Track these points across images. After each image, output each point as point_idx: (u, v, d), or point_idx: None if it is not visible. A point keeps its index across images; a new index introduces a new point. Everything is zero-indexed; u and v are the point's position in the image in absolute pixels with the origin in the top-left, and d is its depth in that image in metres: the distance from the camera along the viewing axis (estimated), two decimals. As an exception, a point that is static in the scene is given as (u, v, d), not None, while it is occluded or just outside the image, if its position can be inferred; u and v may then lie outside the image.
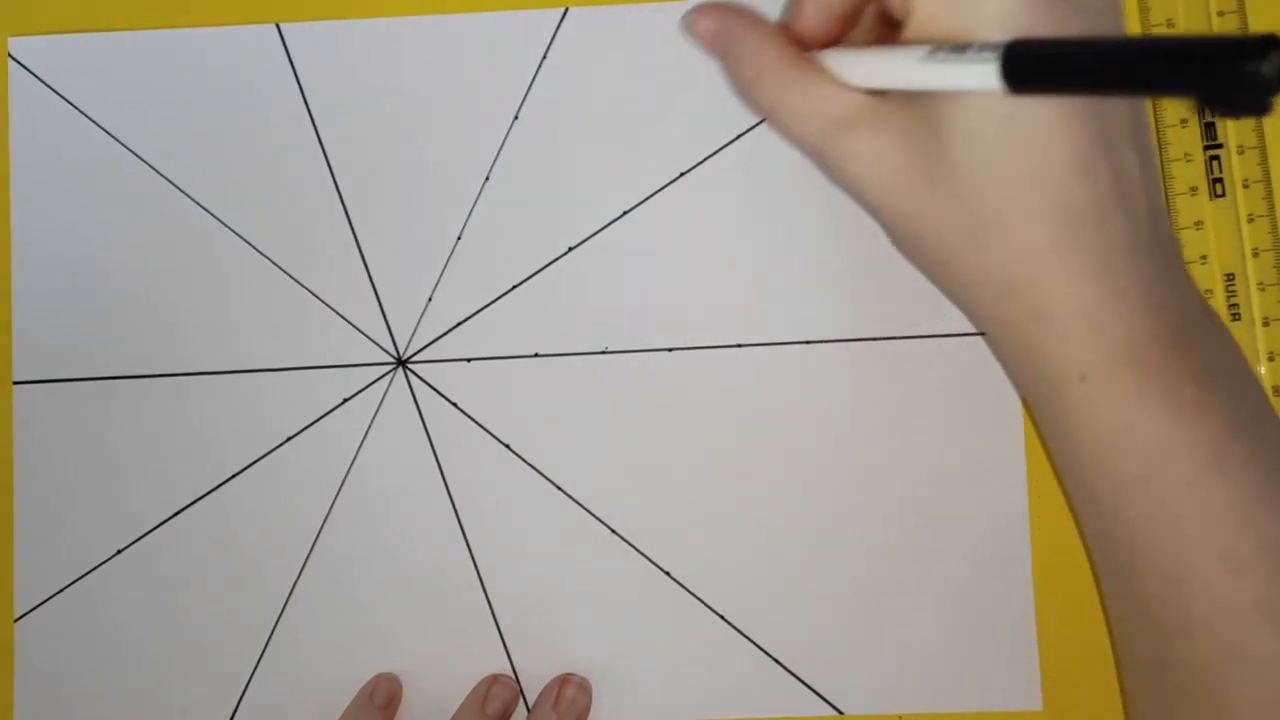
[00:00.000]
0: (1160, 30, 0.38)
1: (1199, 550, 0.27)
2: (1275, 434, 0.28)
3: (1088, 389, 0.28)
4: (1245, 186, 0.38)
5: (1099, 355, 0.27)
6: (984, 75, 0.25)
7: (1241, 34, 0.20)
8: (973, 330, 0.38)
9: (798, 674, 0.38)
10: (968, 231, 0.28)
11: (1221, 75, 0.19)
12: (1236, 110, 0.20)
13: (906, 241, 0.31)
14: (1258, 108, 0.19)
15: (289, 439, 0.39)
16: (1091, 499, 0.29)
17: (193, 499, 0.39)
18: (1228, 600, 0.26)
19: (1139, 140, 0.29)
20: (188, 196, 0.40)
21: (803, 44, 0.32)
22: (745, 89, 0.33)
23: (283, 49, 0.40)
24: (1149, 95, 0.22)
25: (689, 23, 0.34)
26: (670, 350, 0.38)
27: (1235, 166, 0.38)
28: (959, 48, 0.26)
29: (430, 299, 0.39)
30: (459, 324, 0.39)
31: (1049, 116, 0.27)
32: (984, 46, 0.25)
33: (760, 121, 0.39)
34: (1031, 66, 0.24)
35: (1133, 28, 0.38)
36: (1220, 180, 0.38)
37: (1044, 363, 0.28)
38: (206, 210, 0.40)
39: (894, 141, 0.29)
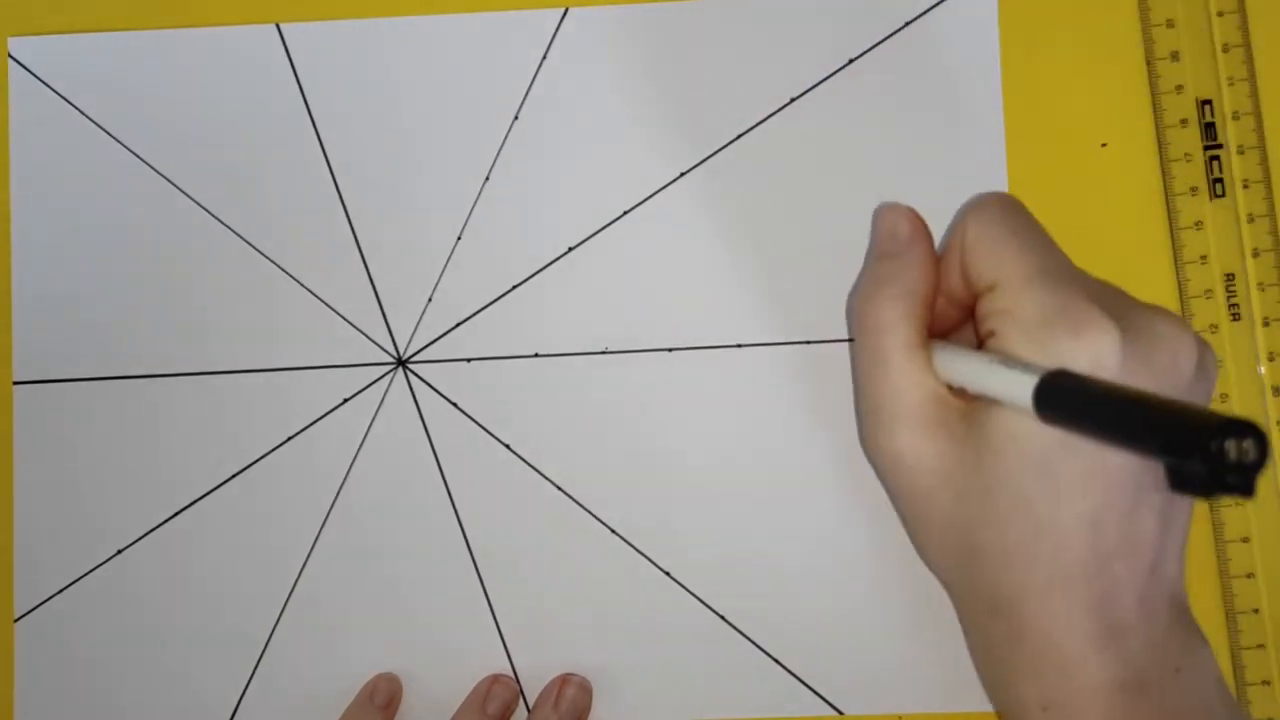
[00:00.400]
0: (1160, 30, 0.38)
1: None
2: None
3: (1050, 718, 0.29)
4: (1245, 187, 0.38)
5: (1064, 693, 0.29)
6: (1021, 389, 0.26)
7: (1234, 418, 0.20)
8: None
9: (797, 674, 0.38)
10: (973, 552, 0.30)
11: (1206, 459, 0.19)
12: (1217, 491, 0.20)
13: (918, 530, 0.33)
14: (1238, 490, 0.20)
15: (289, 439, 0.39)
16: None
17: (192, 499, 0.39)
18: None
19: (1165, 505, 0.29)
20: (187, 196, 0.40)
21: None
22: (895, 293, 0.32)
23: (283, 49, 0.40)
24: (1152, 457, 0.23)
25: (891, 210, 0.34)
26: (670, 350, 0.38)
27: (1235, 167, 0.38)
28: (1016, 361, 0.28)
29: (430, 299, 0.39)
30: (459, 324, 0.39)
31: (1076, 472, 0.28)
32: (1033, 367, 0.27)
33: (761, 121, 0.39)
34: (1060, 396, 0.25)
35: (1133, 28, 0.39)
36: (1220, 180, 0.38)
37: (1013, 685, 0.30)
38: (206, 210, 0.40)
39: (943, 444, 0.30)
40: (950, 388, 0.31)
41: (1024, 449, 0.28)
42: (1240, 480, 0.19)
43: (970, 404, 0.30)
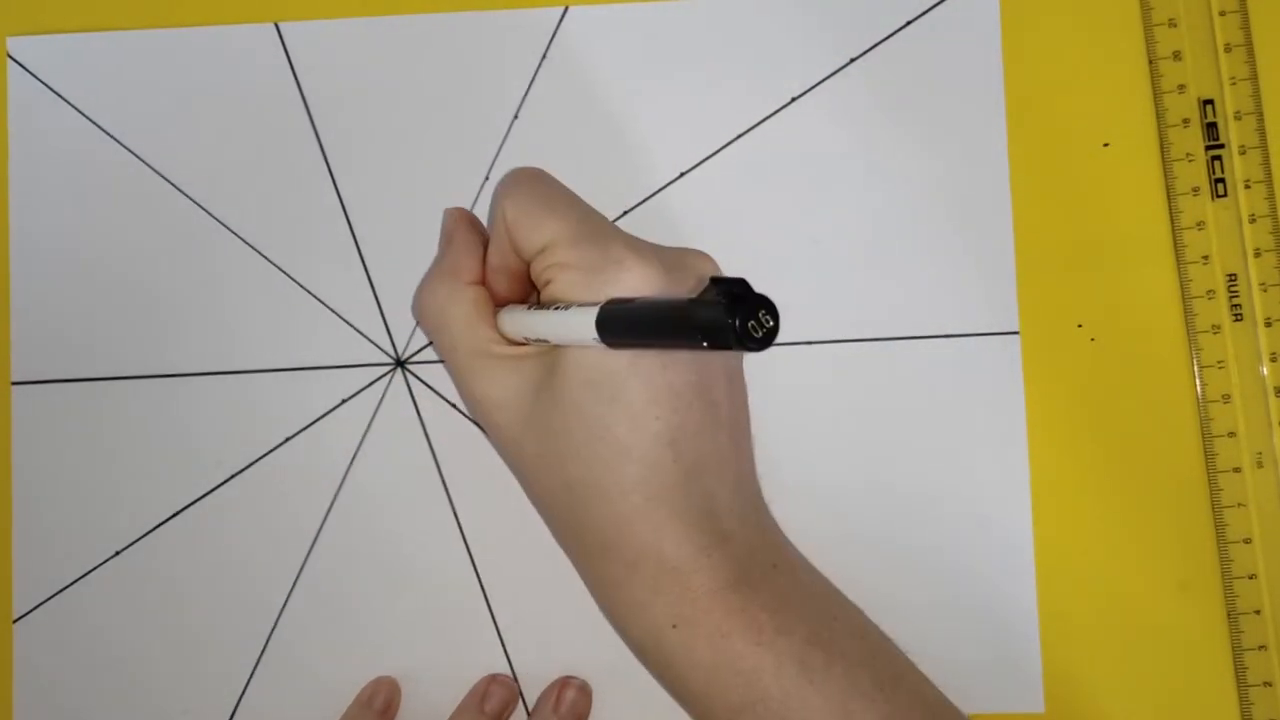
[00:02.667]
0: (1162, 29, 0.38)
1: None
2: (844, 632, 0.32)
3: (680, 634, 0.31)
4: (1247, 187, 0.38)
5: (686, 606, 0.31)
6: (589, 330, 0.28)
7: (724, 297, 0.24)
8: (973, 331, 0.38)
9: (798, 676, 0.37)
10: (568, 489, 0.32)
11: (716, 331, 0.24)
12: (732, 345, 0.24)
13: (520, 481, 0.35)
14: (759, 347, 0.24)
15: (288, 440, 0.39)
16: None
17: (191, 500, 0.39)
18: None
19: (733, 423, 0.33)
20: (187, 196, 0.40)
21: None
22: (441, 278, 0.35)
23: (282, 49, 0.40)
24: (683, 348, 0.29)
25: (445, 211, 0.37)
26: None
27: (1237, 167, 0.38)
28: (574, 303, 0.31)
29: (430, 299, 0.39)
30: (458, 324, 0.39)
31: (646, 397, 0.30)
32: (589, 305, 0.29)
33: (761, 121, 0.38)
34: (616, 319, 0.28)
35: (1135, 27, 0.38)
36: (1222, 180, 0.38)
37: (640, 613, 0.32)
38: (205, 210, 0.39)
39: (522, 391, 0.32)
40: (522, 343, 0.33)
41: (592, 379, 0.31)
42: (764, 343, 0.24)
43: (542, 352, 0.33)
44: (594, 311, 0.28)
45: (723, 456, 0.32)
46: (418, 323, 0.39)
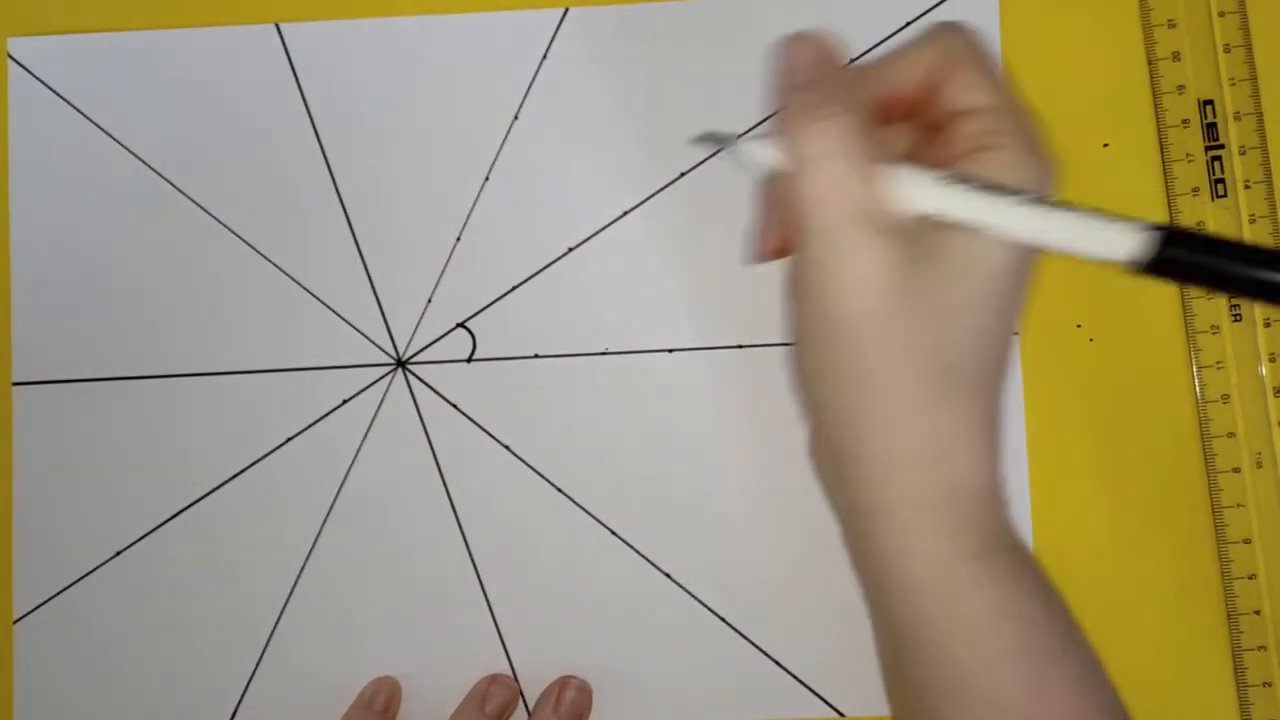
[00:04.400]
0: (1161, 30, 0.38)
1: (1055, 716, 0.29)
2: (1073, 616, 0.31)
3: (974, 569, 0.29)
4: (1247, 187, 0.38)
5: (988, 539, 0.29)
6: (1122, 244, 0.26)
7: None
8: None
9: (799, 676, 0.37)
10: (935, 378, 0.28)
11: None
12: None
13: (855, 371, 0.29)
14: None
15: (288, 440, 0.39)
16: (961, 681, 0.30)
17: (192, 500, 0.39)
18: None
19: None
20: (187, 197, 0.40)
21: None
22: (829, 111, 0.28)
23: (282, 49, 0.40)
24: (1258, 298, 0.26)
25: (785, 46, 0.30)
26: (670, 351, 0.38)
27: (1237, 167, 0.38)
28: (1079, 209, 0.27)
29: (430, 299, 0.39)
30: (459, 324, 0.39)
31: (1015, 305, 0.29)
32: (1118, 218, 0.26)
33: (761, 121, 0.38)
34: (1179, 250, 0.26)
35: (1134, 28, 0.38)
36: (1222, 181, 0.38)
37: (943, 539, 0.29)
38: (206, 211, 0.39)
39: (902, 264, 0.28)
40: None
41: (993, 274, 0.28)
42: None
43: (924, 227, 0.28)
44: (1139, 231, 0.26)
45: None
46: (784, 155, 0.29)
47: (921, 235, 0.28)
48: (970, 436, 0.29)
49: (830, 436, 0.31)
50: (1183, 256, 0.26)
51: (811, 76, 0.29)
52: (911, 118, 0.30)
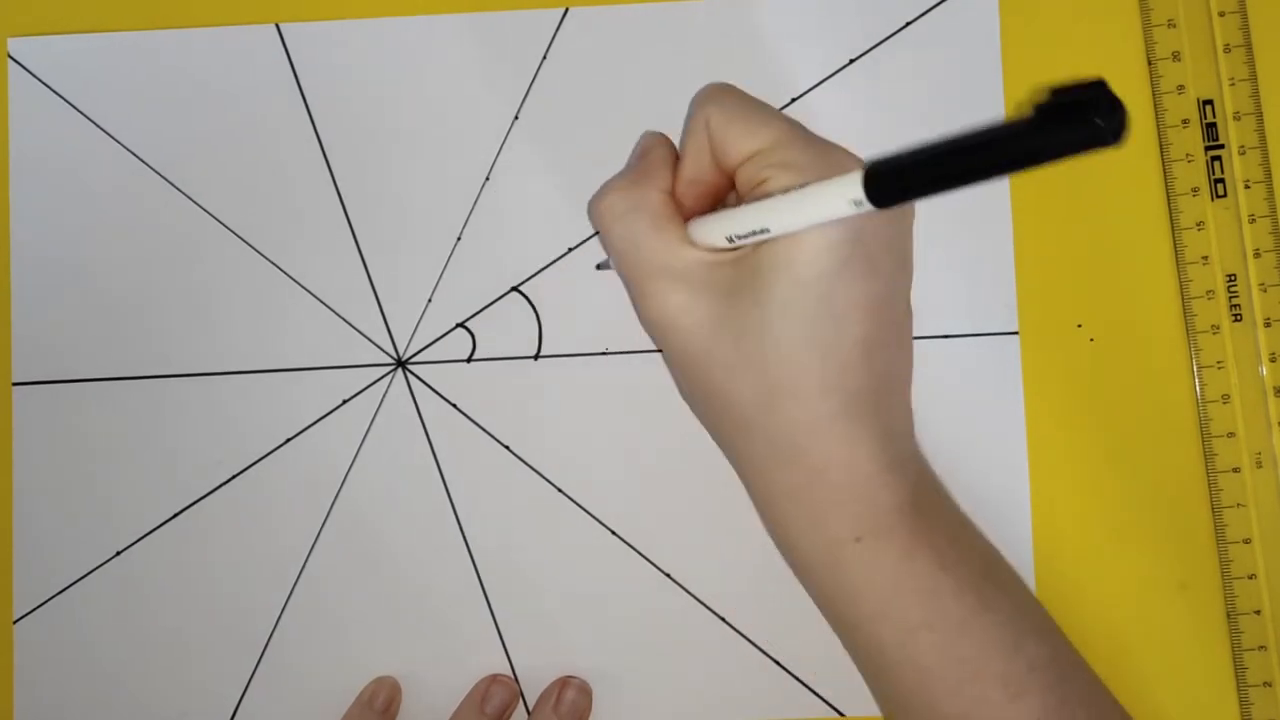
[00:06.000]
0: (1161, 30, 0.38)
1: (983, 682, 0.30)
2: (1008, 576, 0.33)
3: (863, 549, 0.31)
4: (1246, 187, 0.38)
5: (870, 520, 0.31)
6: (846, 196, 0.27)
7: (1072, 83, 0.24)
8: (973, 331, 0.38)
9: (799, 676, 0.37)
10: (765, 392, 0.31)
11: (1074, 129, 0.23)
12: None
13: (702, 392, 0.33)
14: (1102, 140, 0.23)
15: (289, 440, 0.39)
16: (879, 650, 0.32)
17: (192, 500, 0.39)
18: None
19: (908, 346, 0.33)
20: (187, 197, 0.40)
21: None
22: (630, 183, 0.33)
23: (282, 49, 0.40)
24: (988, 177, 0.26)
25: (645, 134, 0.36)
26: (670, 351, 0.38)
27: (1237, 167, 0.38)
28: (810, 185, 0.29)
29: (430, 299, 0.39)
30: (459, 324, 0.39)
31: (851, 301, 0.30)
32: (842, 176, 0.28)
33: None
34: (894, 179, 0.27)
35: (1134, 28, 0.38)
36: (1222, 181, 0.38)
37: (822, 525, 0.31)
38: (206, 211, 0.39)
39: (713, 296, 0.31)
40: (717, 249, 0.32)
41: (803, 278, 0.30)
42: (1119, 132, 0.23)
43: (735, 255, 0.32)
44: (850, 178, 0.27)
45: (902, 376, 0.32)
46: (596, 230, 0.37)
47: (739, 269, 0.31)
48: (818, 435, 0.31)
49: (716, 443, 0.35)
50: (894, 183, 0.27)
51: (645, 153, 0.34)
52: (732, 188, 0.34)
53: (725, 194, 0.34)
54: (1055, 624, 0.33)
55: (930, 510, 0.32)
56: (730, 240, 0.31)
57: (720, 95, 0.33)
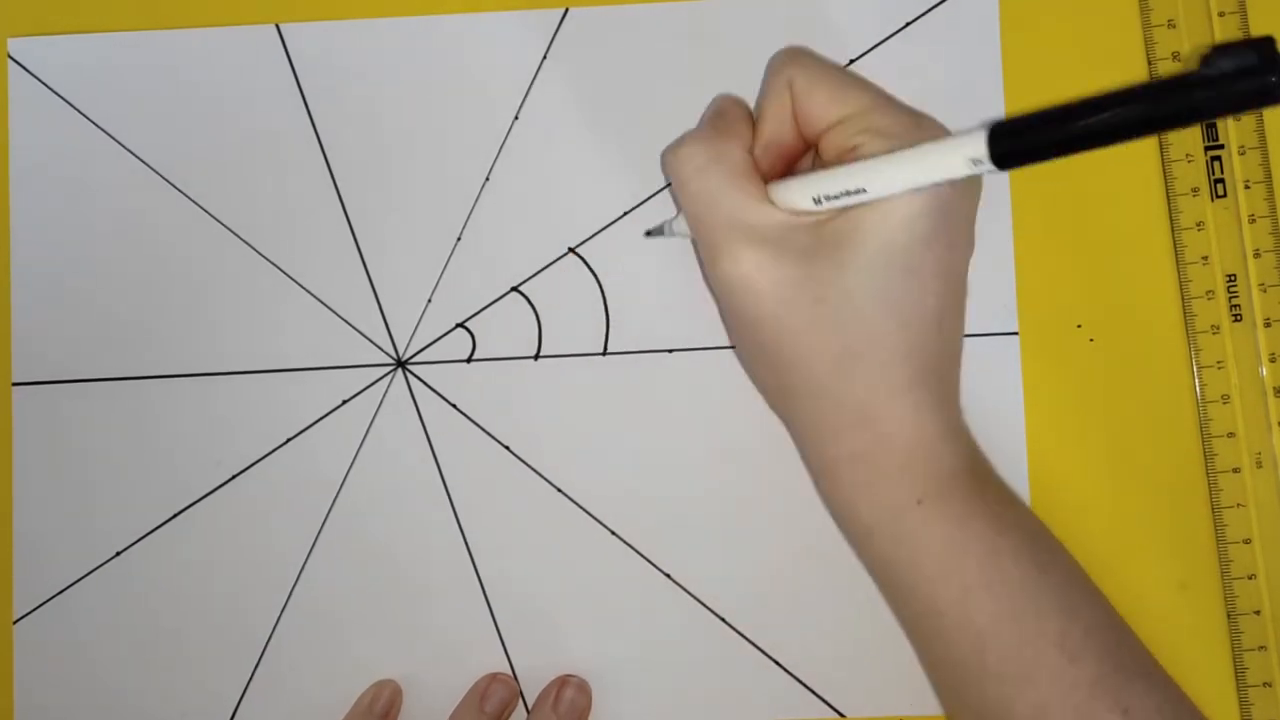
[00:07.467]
0: (1161, 30, 0.38)
1: (1040, 644, 0.30)
2: (1056, 544, 0.33)
3: (924, 511, 0.31)
4: (1246, 187, 0.38)
5: (933, 482, 0.31)
6: (966, 154, 0.27)
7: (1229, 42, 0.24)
8: (973, 331, 0.38)
9: (799, 677, 0.37)
10: (840, 357, 0.31)
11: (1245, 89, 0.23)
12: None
13: (769, 355, 0.32)
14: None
15: (288, 440, 0.39)
16: (936, 613, 0.32)
17: (192, 501, 0.39)
18: (1072, 685, 0.30)
19: (964, 312, 0.33)
20: (187, 197, 0.40)
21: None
22: (708, 138, 0.33)
23: (282, 49, 0.40)
24: (1157, 132, 0.27)
25: (718, 96, 0.36)
26: (670, 351, 0.38)
27: (1236, 167, 0.38)
28: (925, 143, 0.28)
29: (430, 299, 0.39)
30: (459, 324, 0.39)
31: (933, 271, 0.30)
32: (959, 134, 0.27)
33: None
34: (1022, 137, 0.26)
35: (1133, 29, 0.38)
36: (1222, 181, 0.38)
37: (886, 489, 0.32)
38: (205, 211, 0.39)
39: (792, 258, 0.31)
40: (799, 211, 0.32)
41: (893, 243, 0.30)
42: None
43: (814, 219, 0.31)
44: (973, 135, 0.27)
45: (959, 348, 0.33)
46: (668, 182, 0.37)
47: (819, 233, 0.31)
48: (890, 400, 0.31)
49: (774, 409, 0.35)
50: (1018, 142, 0.27)
51: (722, 112, 0.34)
52: (809, 151, 0.34)
53: (799, 158, 0.34)
54: (1104, 594, 0.33)
55: (986, 476, 0.32)
56: (817, 201, 0.31)
57: (803, 59, 0.33)
